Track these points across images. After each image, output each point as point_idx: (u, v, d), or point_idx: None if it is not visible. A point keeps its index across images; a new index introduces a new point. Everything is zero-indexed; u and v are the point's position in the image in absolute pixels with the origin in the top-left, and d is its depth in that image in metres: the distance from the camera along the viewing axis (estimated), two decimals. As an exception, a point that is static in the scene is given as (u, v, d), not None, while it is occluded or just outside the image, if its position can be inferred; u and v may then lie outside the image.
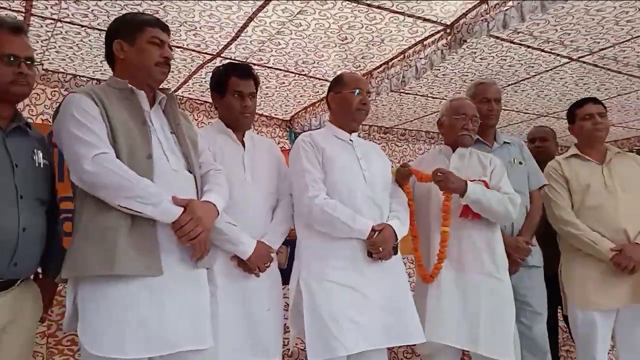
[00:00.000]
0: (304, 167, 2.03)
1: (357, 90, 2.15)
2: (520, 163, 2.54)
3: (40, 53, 3.07)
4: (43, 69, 3.31)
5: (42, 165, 1.52)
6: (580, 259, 2.45)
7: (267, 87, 3.59)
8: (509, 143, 2.63)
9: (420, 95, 3.79)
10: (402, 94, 3.76)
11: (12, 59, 1.54)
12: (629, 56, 3.11)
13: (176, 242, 1.62)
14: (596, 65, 3.25)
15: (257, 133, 4.16)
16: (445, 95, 3.75)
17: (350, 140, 2.20)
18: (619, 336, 2.44)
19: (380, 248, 1.94)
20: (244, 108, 2.06)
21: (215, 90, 2.13)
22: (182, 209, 1.59)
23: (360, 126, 4.56)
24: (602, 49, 2.99)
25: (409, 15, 2.58)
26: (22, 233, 1.39)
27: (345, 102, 2.17)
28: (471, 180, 2.20)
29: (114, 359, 1.49)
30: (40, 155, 1.52)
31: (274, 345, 1.97)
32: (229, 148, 2.05)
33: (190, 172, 1.74)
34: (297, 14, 2.53)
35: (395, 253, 2.05)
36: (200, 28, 2.69)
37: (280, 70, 3.27)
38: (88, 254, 1.53)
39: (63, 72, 3.37)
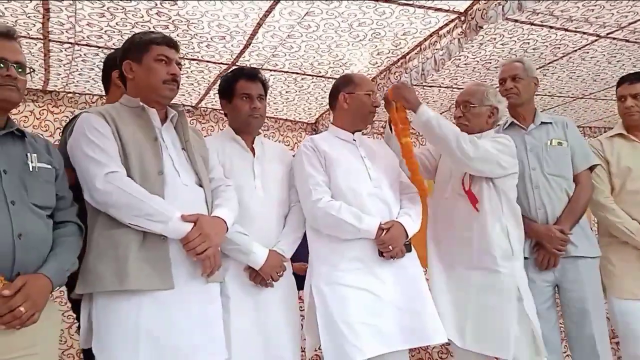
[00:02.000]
0: (306, 171, 2.02)
1: (369, 92, 2.13)
2: (560, 144, 2.34)
3: (65, 77, 3.18)
4: (70, 92, 3.44)
5: (37, 169, 1.50)
6: (618, 245, 2.31)
7: (287, 92, 3.59)
8: (549, 123, 2.41)
9: (445, 87, 3.69)
10: (425, 87, 3.67)
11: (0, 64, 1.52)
12: (665, 27, 2.92)
13: (187, 257, 1.63)
14: (628, 41, 3.06)
15: (283, 138, 4.18)
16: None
17: (354, 140, 2.16)
18: None
19: (390, 247, 1.89)
20: (253, 110, 2.05)
21: (224, 95, 2.14)
22: (192, 224, 1.60)
23: (377, 121, 4.61)
24: (632, 23, 2.81)
25: (419, 7, 2.51)
26: (18, 240, 1.39)
27: (360, 103, 2.14)
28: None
29: None
30: (36, 158, 1.53)
31: (290, 356, 1.94)
32: (238, 156, 2.05)
33: (201, 187, 1.76)
34: (305, 15, 2.51)
35: (409, 251, 1.99)
36: (211, 39, 2.71)
37: (298, 73, 3.25)
38: (100, 269, 1.56)
39: (89, 94, 3.49)
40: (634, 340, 2.23)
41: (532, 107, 2.47)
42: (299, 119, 4.21)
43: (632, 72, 2.61)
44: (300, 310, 2.13)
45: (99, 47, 2.76)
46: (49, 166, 1.57)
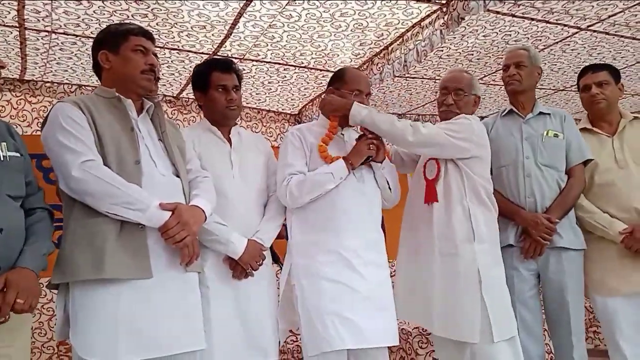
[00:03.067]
0: (287, 161, 2.02)
1: (356, 92, 2.10)
2: (556, 136, 2.33)
3: (42, 66, 3.12)
4: (48, 82, 3.37)
5: (7, 159, 1.49)
6: (596, 241, 2.30)
7: (269, 83, 3.56)
8: (548, 114, 2.40)
9: (428, 79, 3.70)
10: (408, 78, 3.67)
11: None
12: (643, 20, 2.94)
13: (166, 246, 1.62)
14: (608, 33, 3.09)
15: (266, 129, 4.16)
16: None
17: (342, 134, 2.14)
18: None
19: None
20: (229, 101, 2.04)
21: (198, 87, 2.12)
22: (170, 213, 1.60)
23: None
24: (611, 15, 2.83)
25: (401, -3, 2.50)
26: (0, 235, 1.37)
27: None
28: (426, 161, 2.20)
29: None
30: (5, 147, 1.51)
31: (271, 345, 1.95)
32: (215, 146, 2.04)
33: (178, 177, 1.75)
34: (286, 5, 2.48)
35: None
36: (192, 28, 2.68)
37: (280, 64, 3.23)
38: (77, 259, 1.54)
39: (68, 83, 3.43)
40: (616, 334, 2.23)
41: (532, 96, 2.45)
42: (282, 109, 4.19)
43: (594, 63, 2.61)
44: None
45: (77, 36, 2.71)
46: (18, 154, 1.55)
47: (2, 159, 1.48)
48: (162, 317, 1.57)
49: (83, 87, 3.46)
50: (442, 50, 3.19)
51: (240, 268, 1.89)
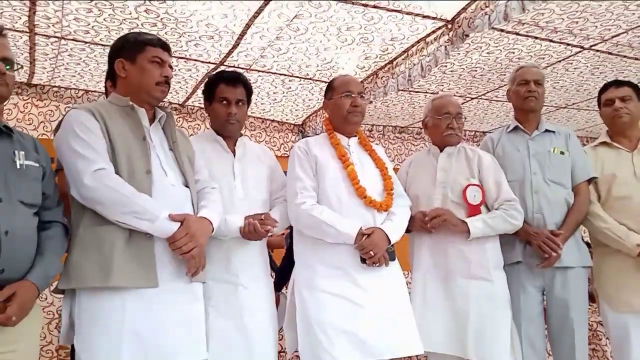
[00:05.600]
0: (296, 174, 2.03)
1: (346, 93, 2.10)
2: (562, 153, 2.34)
3: (50, 71, 3.16)
4: (55, 86, 3.41)
5: (24, 167, 1.50)
6: (611, 255, 2.27)
7: (274, 93, 3.59)
8: (552, 131, 2.41)
9: (431, 93, 3.72)
10: (412, 92, 3.70)
11: None
12: (645, 42, 2.98)
13: (172, 256, 1.63)
14: (610, 53, 3.12)
15: (270, 139, 4.19)
16: (456, 92, 3.68)
17: (348, 145, 2.15)
18: None
19: (372, 252, 1.90)
20: (229, 115, 2.05)
21: (206, 97, 2.14)
22: (178, 224, 1.61)
23: (375, 126, 4.64)
24: (615, 36, 2.87)
25: (407, 13, 2.54)
26: (5, 237, 1.38)
27: (337, 107, 2.13)
28: (466, 186, 2.16)
29: None
30: (23, 155, 1.52)
31: (271, 356, 1.95)
32: (219, 156, 2.05)
33: (187, 187, 1.76)
34: (293, 18, 2.52)
35: (392, 259, 2.00)
36: (200, 38, 2.71)
37: (285, 75, 3.26)
38: (85, 266, 1.56)
39: (75, 88, 3.46)
40: (627, 352, 2.22)
41: (539, 115, 2.48)
42: (286, 119, 4.22)
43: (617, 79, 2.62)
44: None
45: (86, 42, 2.75)
46: (36, 164, 1.56)
47: (18, 166, 1.50)
48: (166, 326, 1.58)
49: (90, 92, 3.49)
50: (446, 66, 3.23)
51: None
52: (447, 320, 2.08)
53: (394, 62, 3.09)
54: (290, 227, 2.26)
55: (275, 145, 4.22)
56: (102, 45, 2.75)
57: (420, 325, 2.03)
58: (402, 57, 3.02)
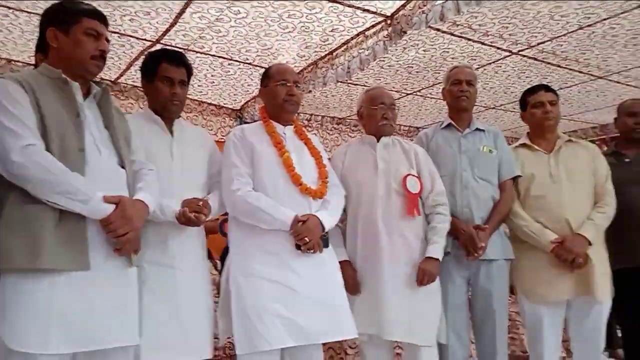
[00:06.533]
0: (231, 161, 2.01)
1: (282, 82, 2.11)
2: (491, 151, 2.45)
3: (-31, 36, 2.94)
4: (-26, 53, 3.18)
5: None
6: (528, 250, 2.41)
7: (212, 76, 3.54)
8: (482, 130, 2.52)
9: (369, 86, 3.79)
10: (350, 85, 3.76)
11: None
12: (567, 50, 3.18)
13: (106, 238, 1.57)
14: (536, 59, 3.31)
15: (206, 122, 4.12)
16: (392, 87, 3.77)
17: (284, 133, 2.16)
18: (571, 327, 2.45)
19: (306, 238, 1.93)
20: (173, 95, 2.00)
21: (145, 76, 2.07)
22: (113, 206, 1.55)
23: (313, 116, 4.68)
24: (540, 43, 3.05)
25: (348, 5, 2.57)
26: None
27: (272, 95, 2.13)
28: (406, 175, 2.23)
29: (36, 355, 1.44)
30: None
31: (205, 343, 1.94)
32: (156, 137, 2.00)
33: (123, 168, 1.70)
34: (235, 0, 2.49)
35: (326, 246, 2.04)
36: (135, 13, 2.62)
37: (224, 58, 3.22)
38: (11, 246, 1.45)
39: (-4, 57, 3.25)
40: (540, 341, 2.39)
41: (471, 114, 2.58)
42: (224, 104, 4.16)
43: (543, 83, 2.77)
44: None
45: (10, 8, 2.58)
46: None
47: None
48: (97, 311, 1.51)
49: (13, 62, 3.29)
50: (383, 61, 3.30)
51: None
52: (380, 304, 2.15)
53: (334, 54, 3.13)
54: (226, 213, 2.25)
55: (211, 130, 4.15)
56: (28, 12, 2.59)
57: (355, 310, 2.10)
58: (342, 48, 3.06)
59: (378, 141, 2.34)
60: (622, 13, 2.69)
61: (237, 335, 1.89)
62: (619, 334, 2.96)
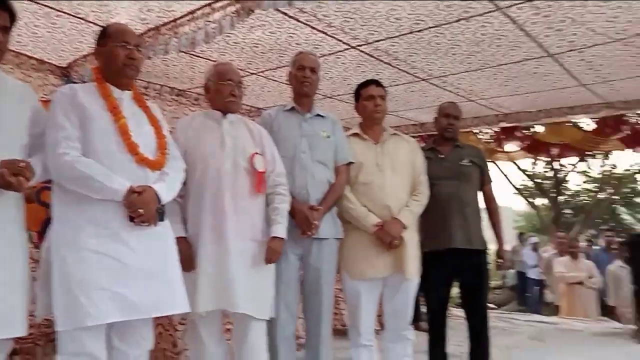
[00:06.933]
0: (58, 122, 1.85)
1: (123, 43, 1.98)
2: (329, 137, 2.60)
3: None
4: None
5: None
6: (353, 231, 2.66)
7: (36, 26, 3.14)
8: (323, 116, 2.68)
9: (213, 60, 3.71)
10: (193, 56, 3.64)
11: None
12: (398, 51, 3.49)
13: None
14: (371, 56, 3.57)
15: (25, 77, 3.66)
16: (238, 65, 3.74)
17: (121, 98, 2.03)
18: (385, 302, 2.75)
19: (141, 210, 1.85)
20: None
21: None
22: None
23: (151, 84, 4.43)
24: (376, 41, 3.30)
25: (196, -26, 2.49)
26: None
27: (111, 56, 1.99)
28: (253, 154, 2.30)
29: None
30: None
31: (18, 320, 1.75)
32: None
33: None
34: (68, -55, 2.24)
35: (162, 219, 1.98)
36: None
37: (52, 8, 2.88)
38: None
39: None
40: (358, 314, 2.66)
41: (313, 100, 2.72)
42: (48, 59, 3.73)
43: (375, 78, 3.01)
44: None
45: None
46: None
47: None
48: None
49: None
50: (230, 37, 3.26)
51: None
52: (227, 279, 2.15)
53: (178, 22, 3.00)
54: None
55: (31, 86, 3.69)
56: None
57: (198, 287, 2.09)
58: (187, 18, 2.95)
59: (224, 117, 2.34)
60: (445, 24, 3.03)
61: (58, 311, 1.76)
62: (423, 310, 3.39)
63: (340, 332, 3.59)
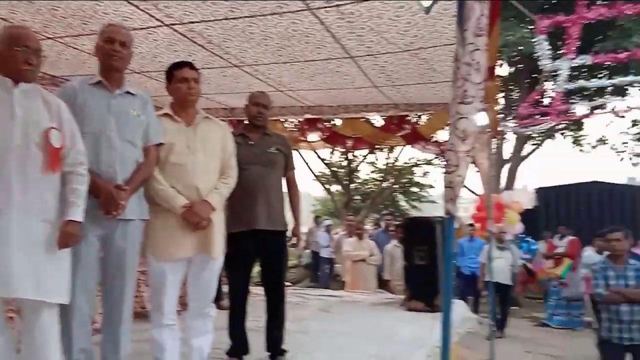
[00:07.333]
0: None
1: None
2: (139, 116, 2.49)
3: None
4: None
5: None
6: (161, 212, 2.62)
7: None
8: (133, 94, 2.53)
9: (1, 19, 3.28)
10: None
11: None
12: (212, 35, 3.52)
13: None
14: (185, 36, 3.54)
15: None
16: (32, 26, 3.35)
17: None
18: (189, 282, 2.79)
19: None
20: None
21: None
22: None
23: None
24: (191, 22, 3.28)
25: None
26: None
27: None
28: (49, 128, 2.13)
29: None
30: None
31: None
32: None
33: None
34: None
35: None
36: None
37: None
38: None
39: None
40: (162, 294, 2.65)
41: (123, 76, 2.55)
42: None
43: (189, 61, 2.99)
44: None
45: None
46: None
47: None
48: None
49: None
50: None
51: None
52: (4, 261, 1.98)
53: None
54: None
55: None
56: None
57: None
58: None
59: (16, 86, 2.12)
60: (260, 15, 3.16)
61: None
62: (224, 290, 3.53)
63: (140, 315, 3.53)
